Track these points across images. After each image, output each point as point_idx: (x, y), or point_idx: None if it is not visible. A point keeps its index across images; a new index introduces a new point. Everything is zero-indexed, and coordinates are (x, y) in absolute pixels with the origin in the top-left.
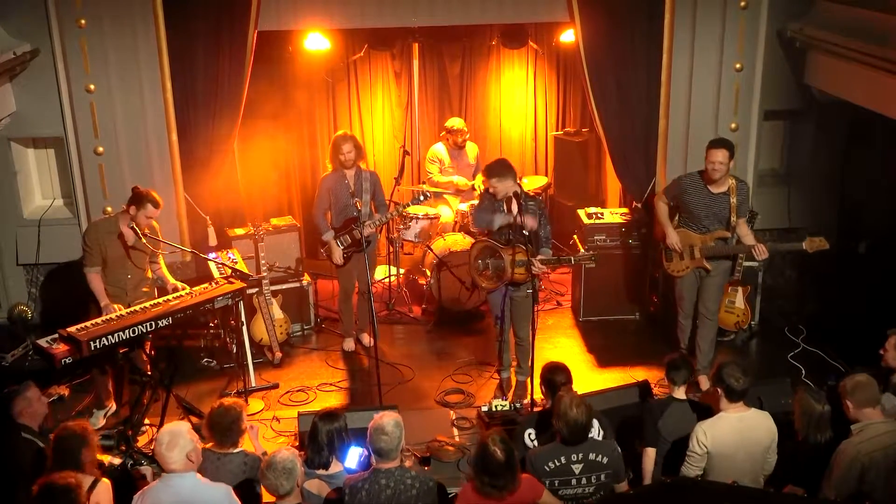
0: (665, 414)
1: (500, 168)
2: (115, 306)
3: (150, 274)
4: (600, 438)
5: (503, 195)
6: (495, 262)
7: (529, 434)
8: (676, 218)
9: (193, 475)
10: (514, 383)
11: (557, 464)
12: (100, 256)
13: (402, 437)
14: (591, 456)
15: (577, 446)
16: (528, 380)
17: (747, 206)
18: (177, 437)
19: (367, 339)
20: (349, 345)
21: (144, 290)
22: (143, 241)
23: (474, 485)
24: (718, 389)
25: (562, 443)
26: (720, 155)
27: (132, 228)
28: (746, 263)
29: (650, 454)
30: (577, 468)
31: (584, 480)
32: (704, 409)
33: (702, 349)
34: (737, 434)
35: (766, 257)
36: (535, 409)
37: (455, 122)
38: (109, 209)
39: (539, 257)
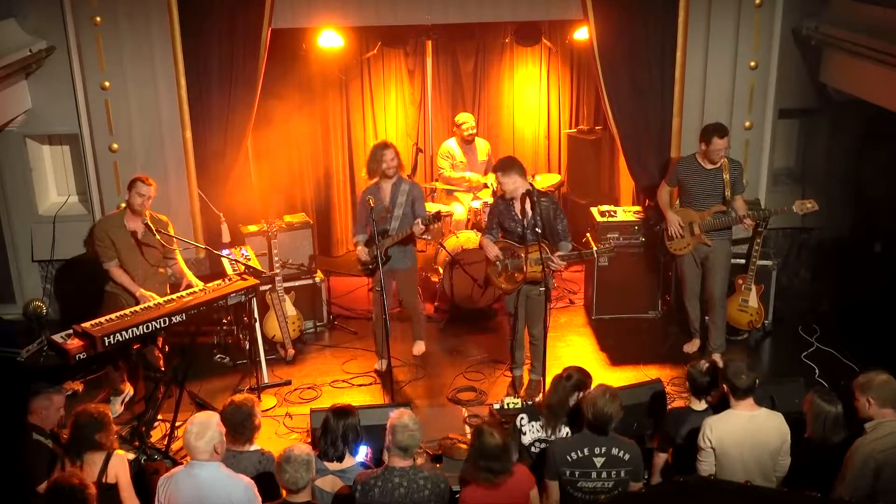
0: (682, 427)
1: (502, 163)
2: (148, 294)
3: (162, 270)
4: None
5: (511, 193)
6: (513, 262)
7: (521, 419)
8: (678, 201)
9: (217, 466)
10: (526, 381)
11: (580, 455)
12: (112, 249)
13: (420, 434)
14: (614, 451)
15: (601, 438)
16: (542, 379)
17: (742, 183)
18: (206, 429)
19: (419, 346)
20: (381, 365)
21: (157, 286)
22: (157, 237)
23: (471, 473)
24: (724, 387)
25: (588, 429)
26: (725, 142)
27: (146, 225)
28: (760, 262)
29: (662, 458)
30: (598, 461)
31: (604, 474)
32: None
33: (712, 331)
34: (744, 432)
35: (749, 227)
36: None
37: (459, 117)
38: (123, 205)
39: (559, 253)
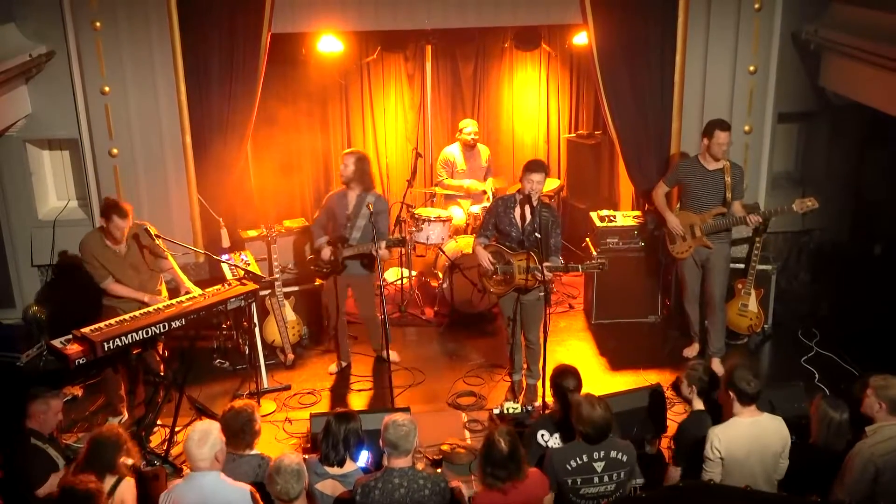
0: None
1: (543, 165)
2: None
3: (155, 271)
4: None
5: (529, 191)
6: (505, 267)
7: (542, 435)
8: (678, 204)
9: (217, 474)
10: (525, 386)
11: (580, 462)
12: (104, 268)
13: (416, 434)
14: (613, 454)
15: (598, 444)
16: (539, 382)
17: (742, 187)
18: (207, 436)
19: (393, 355)
20: (336, 367)
21: (154, 288)
22: (157, 242)
23: (481, 478)
24: (731, 393)
25: (584, 441)
26: (727, 136)
27: (146, 230)
28: (760, 266)
29: (677, 472)
30: (599, 466)
31: (605, 478)
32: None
33: (712, 334)
34: (749, 438)
35: (758, 223)
36: (546, 412)
37: (462, 123)
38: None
39: (546, 264)
